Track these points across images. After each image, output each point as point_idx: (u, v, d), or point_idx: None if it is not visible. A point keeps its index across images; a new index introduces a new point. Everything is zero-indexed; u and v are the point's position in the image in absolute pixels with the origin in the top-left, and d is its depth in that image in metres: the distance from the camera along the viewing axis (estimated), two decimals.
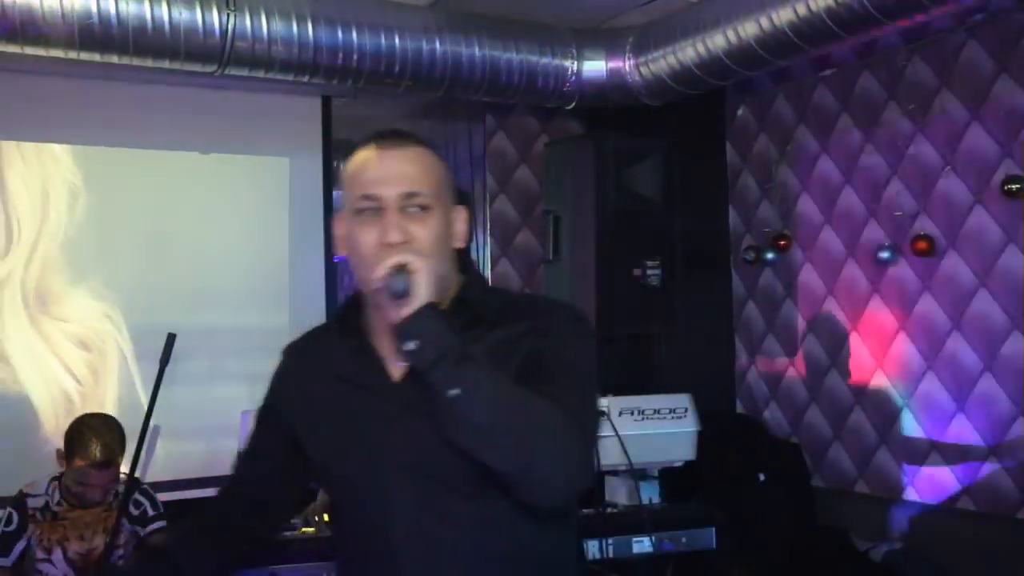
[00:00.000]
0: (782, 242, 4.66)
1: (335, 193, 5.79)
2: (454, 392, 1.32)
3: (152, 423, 3.20)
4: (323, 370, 1.57)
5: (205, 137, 4.50)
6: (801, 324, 4.64)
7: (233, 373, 4.36)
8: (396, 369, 1.50)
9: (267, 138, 4.61)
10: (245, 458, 1.72)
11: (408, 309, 1.36)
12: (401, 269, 1.37)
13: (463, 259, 1.57)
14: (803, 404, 4.64)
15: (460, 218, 1.53)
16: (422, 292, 1.36)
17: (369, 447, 1.47)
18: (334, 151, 4.94)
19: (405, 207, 1.44)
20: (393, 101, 5.10)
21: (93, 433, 3.14)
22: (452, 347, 1.34)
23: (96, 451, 3.11)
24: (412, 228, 1.43)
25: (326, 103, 4.75)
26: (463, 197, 1.66)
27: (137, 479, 3.27)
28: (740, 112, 4.93)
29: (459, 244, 1.52)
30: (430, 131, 5.71)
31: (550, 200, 4.35)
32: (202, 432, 4.32)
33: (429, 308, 1.36)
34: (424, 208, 1.45)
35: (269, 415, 1.67)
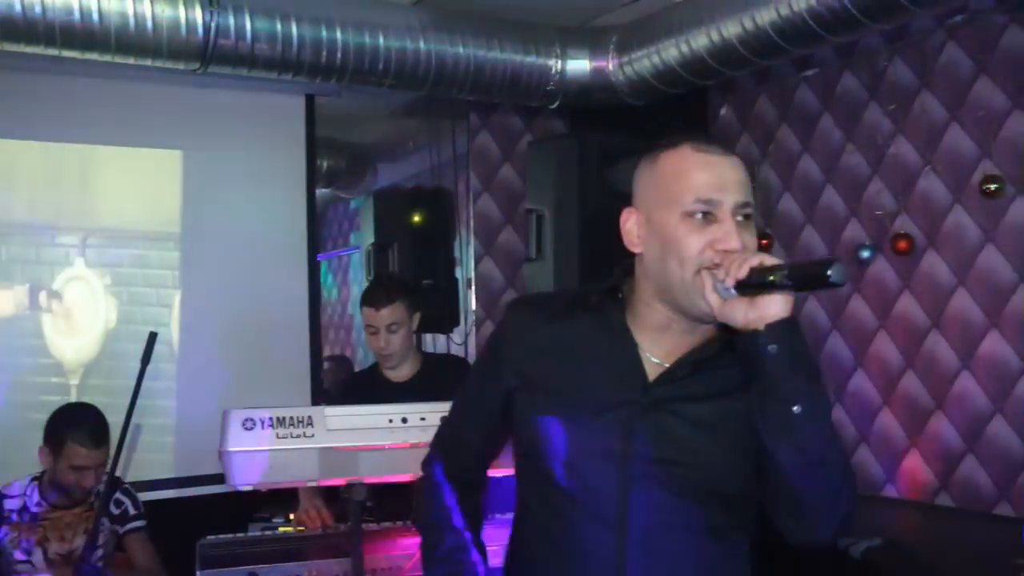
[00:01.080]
0: (764, 241, 4.65)
1: (320, 191, 5.79)
2: (797, 408, 1.35)
3: (133, 422, 3.17)
4: (570, 342, 1.53)
5: (188, 135, 4.46)
6: None
7: (215, 371, 4.33)
8: (652, 367, 1.50)
9: (250, 136, 4.58)
10: (469, 411, 1.69)
11: (760, 313, 1.36)
12: (765, 271, 1.36)
13: None
14: None
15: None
16: (787, 301, 1.37)
17: (612, 435, 1.46)
18: (318, 149, 4.91)
19: (737, 215, 1.44)
20: (377, 99, 5.09)
21: (82, 416, 3.16)
22: (809, 365, 1.38)
23: (88, 430, 3.11)
24: (744, 236, 1.43)
25: (310, 101, 4.73)
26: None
27: (118, 478, 3.23)
28: (723, 112, 4.93)
29: None
30: (414, 129, 5.71)
31: (533, 199, 4.34)
32: (184, 432, 4.29)
33: (793, 320, 1.37)
34: (748, 218, 1.46)
35: (497, 367, 1.60)
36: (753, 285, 1.37)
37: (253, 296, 4.49)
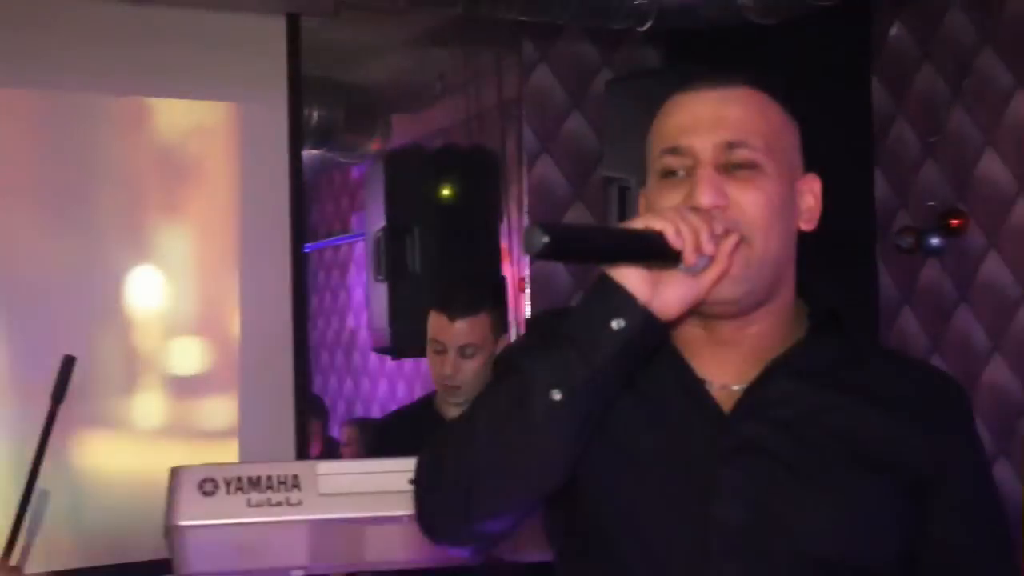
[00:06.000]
0: (955, 221, 4.62)
1: (309, 152, 5.82)
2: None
3: (39, 487, 3.21)
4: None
5: (121, 74, 4.52)
6: (983, 340, 4.60)
7: (159, 414, 4.39)
8: (723, 394, 1.59)
9: (206, 75, 4.63)
10: None
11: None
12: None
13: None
14: (990, 453, 4.59)
15: (809, 189, 1.66)
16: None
17: (684, 497, 1.55)
18: (305, 93, 4.94)
19: (722, 161, 1.55)
20: (389, 23, 5.12)
21: None
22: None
23: None
24: (733, 191, 1.53)
25: (293, 24, 4.76)
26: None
27: (15, 569, 3.27)
28: (894, 31, 4.89)
29: (807, 226, 1.65)
30: (442, 65, 5.73)
31: (614, 163, 4.34)
32: (114, 499, 4.34)
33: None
34: (744, 167, 1.55)
35: None
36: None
37: (210, 302, 4.54)
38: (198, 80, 4.63)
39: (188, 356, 4.44)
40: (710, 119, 1.56)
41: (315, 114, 5.95)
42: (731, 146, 1.54)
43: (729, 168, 1.53)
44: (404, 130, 6.46)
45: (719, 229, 1.47)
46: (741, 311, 1.56)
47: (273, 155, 4.74)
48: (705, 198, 1.50)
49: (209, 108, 4.68)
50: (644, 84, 4.33)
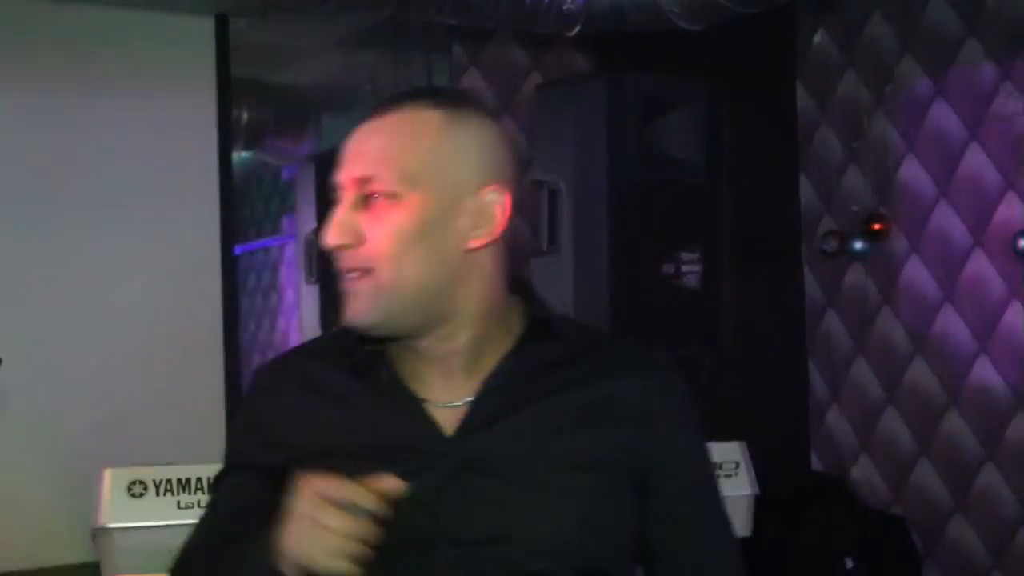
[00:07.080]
0: (877, 226, 4.67)
1: (239, 154, 5.79)
2: None
3: None
4: (333, 409, 1.66)
5: (48, 74, 4.48)
6: (905, 342, 4.65)
7: (88, 415, 4.35)
8: (445, 412, 1.61)
9: (135, 76, 4.59)
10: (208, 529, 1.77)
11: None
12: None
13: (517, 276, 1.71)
14: (909, 458, 4.65)
15: (484, 205, 1.65)
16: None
17: (411, 519, 1.55)
18: (234, 94, 4.92)
19: (363, 196, 1.60)
20: (320, 23, 5.10)
21: None
22: None
23: None
24: (366, 225, 1.59)
25: (222, 24, 4.74)
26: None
27: None
28: (817, 38, 4.94)
29: (479, 241, 1.63)
30: (373, 67, 5.72)
31: (544, 166, 4.35)
32: (41, 501, 4.30)
33: None
34: (379, 197, 1.59)
35: (242, 465, 1.73)
36: None
37: (140, 304, 4.50)
38: (127, 80, 4.60)
39: (117, 358, 4.41)
40: (353, 153, 1.62)
41: (245, 115, 5.92)
42: (364, 180, 1.59)
43: (366, 201, 1.59)
44: (334, 132, 6.44)
45: (350, 263, 1.57)
46: (404, 333, 1.61)
47: (203, 156, 4.72)
48: (328, 239, 1.59)
49: (138, 109, 4.64)
50: (573, 88, 4.34)
